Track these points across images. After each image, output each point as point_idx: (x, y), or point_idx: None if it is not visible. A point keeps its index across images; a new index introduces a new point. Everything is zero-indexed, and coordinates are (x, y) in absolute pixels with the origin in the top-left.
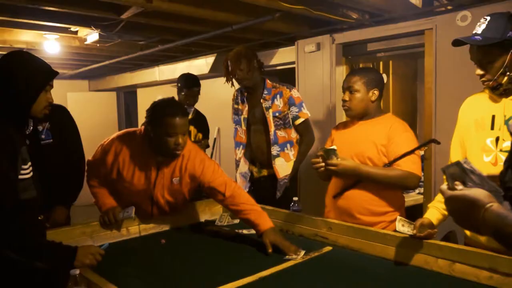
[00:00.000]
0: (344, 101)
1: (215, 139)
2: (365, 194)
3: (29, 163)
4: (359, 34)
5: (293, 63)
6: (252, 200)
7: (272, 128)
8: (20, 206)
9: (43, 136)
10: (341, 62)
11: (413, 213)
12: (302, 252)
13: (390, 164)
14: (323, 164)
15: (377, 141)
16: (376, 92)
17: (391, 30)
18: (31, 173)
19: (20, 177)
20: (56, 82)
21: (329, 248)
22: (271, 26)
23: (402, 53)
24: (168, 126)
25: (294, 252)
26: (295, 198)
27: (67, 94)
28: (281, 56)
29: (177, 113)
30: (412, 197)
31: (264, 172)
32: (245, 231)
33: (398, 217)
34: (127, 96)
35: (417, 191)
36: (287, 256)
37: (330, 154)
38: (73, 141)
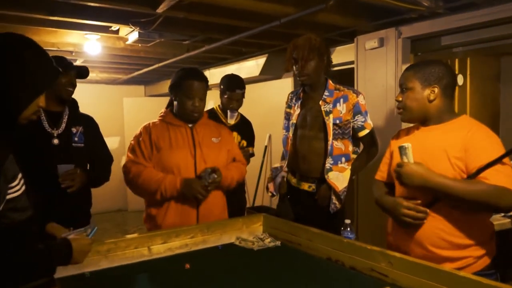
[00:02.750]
0: (396, 101)
1: (266, 146)
2: (442, 218)
3: (20, 176)
4: (431, 25)
5: (352, 62)
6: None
7: (331, 137)
8: (9, 231)
9: (76, 139)
10: (409, 60)
11: (499, 241)
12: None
13: (473, 177)
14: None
15: (450, 152)
16: (436, 90)
17: (470, 18)
18: (23, 188)
19: (9, 196)
20: (112, 88)
21: None
22: (325, 19)
23: (482, 48)
24: (187, 88)
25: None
26: (347, 221)
27: (123, 99)
28: (339, 55)
29: (196, 77)
30: (497, 221)
31: (304, 186)
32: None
33: None
34: None
35: (502, 213)
36: None
37: (400, 152)
38: (101, 149)
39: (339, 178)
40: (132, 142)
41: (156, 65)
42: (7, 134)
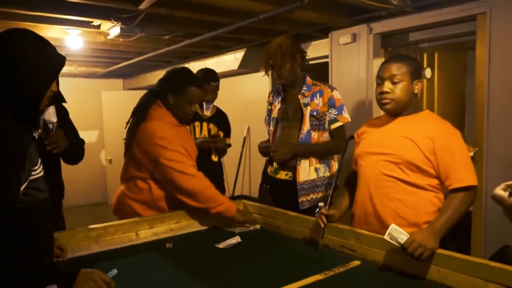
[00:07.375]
0: (383, 92)
1: (244, 138)
2: (399, 198)
3: (39, 161)
4: (399, 22)
5: (327, 57)
6: None
7: (305, 126)
8: (33, 209)
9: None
10: (380, 54)
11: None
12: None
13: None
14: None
15: (420, 143)
16: (419, 85)
17: (436, 16)
18: (42, 172)
19: (32, 177)
20: (90, 81)
21: (357, 262)
22: (302, 16)
23: (449, 43)
24: (192, 95)
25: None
26: (321, 204)
27: (101, 92)
28: (315, 50)
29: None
30: None
31: (281, 175)
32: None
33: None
34: None
35: None
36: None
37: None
38: (73, 133)
39: (306, 170)
40: (178, 150)
41: (136, 59)
42: (29, 125)
